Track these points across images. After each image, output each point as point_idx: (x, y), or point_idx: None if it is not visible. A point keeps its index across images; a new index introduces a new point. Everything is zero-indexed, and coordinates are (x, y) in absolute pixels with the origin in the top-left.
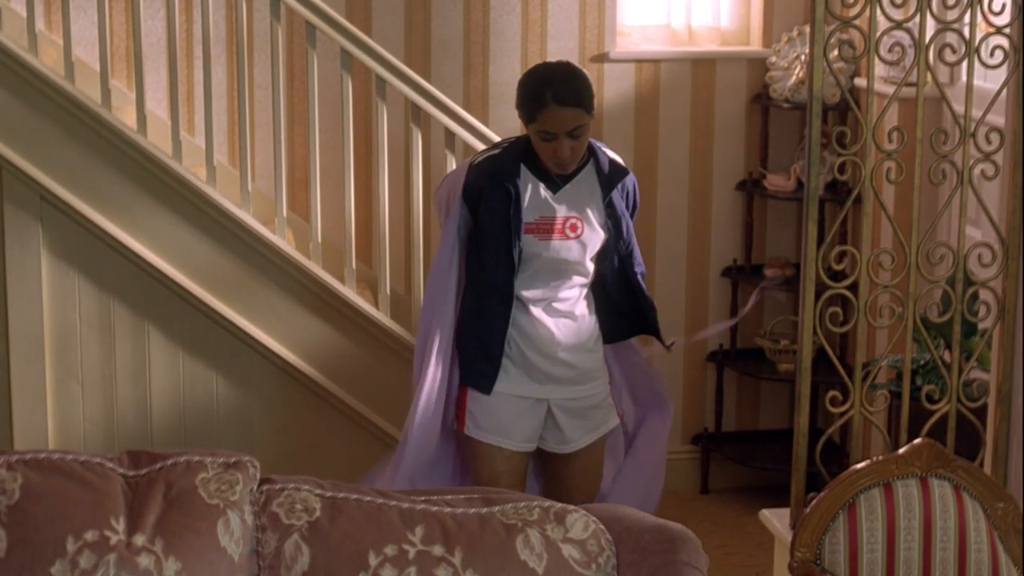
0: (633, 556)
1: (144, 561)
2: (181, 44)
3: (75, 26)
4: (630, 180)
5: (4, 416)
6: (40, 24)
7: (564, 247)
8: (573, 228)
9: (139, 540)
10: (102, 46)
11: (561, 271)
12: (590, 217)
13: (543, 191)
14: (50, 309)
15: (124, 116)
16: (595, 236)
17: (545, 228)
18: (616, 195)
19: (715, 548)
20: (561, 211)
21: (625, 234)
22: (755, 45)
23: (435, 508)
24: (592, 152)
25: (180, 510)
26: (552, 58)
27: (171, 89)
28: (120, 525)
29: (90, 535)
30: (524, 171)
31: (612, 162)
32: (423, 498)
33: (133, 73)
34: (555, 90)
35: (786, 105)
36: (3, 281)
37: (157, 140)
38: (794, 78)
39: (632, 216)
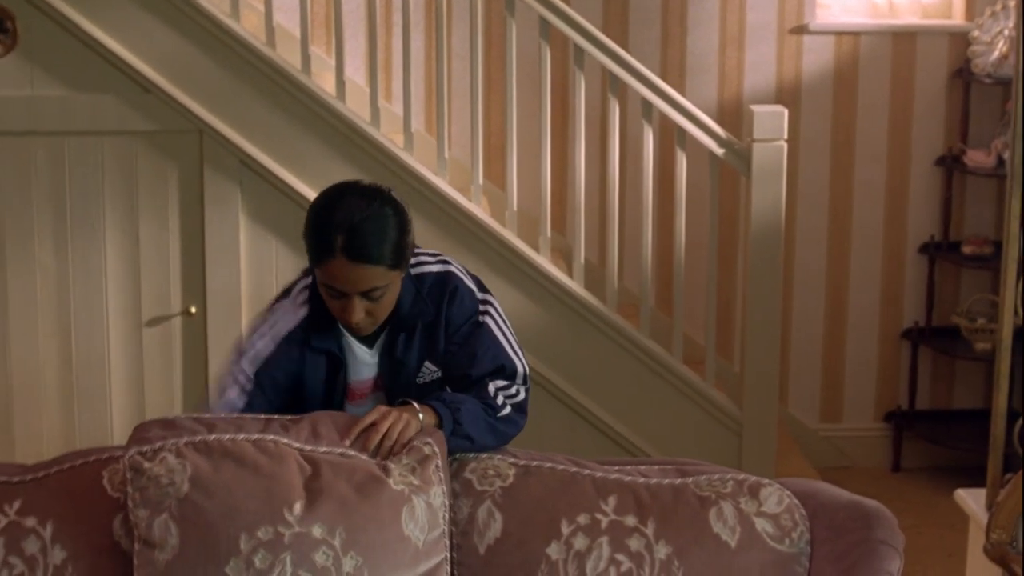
0: (827, 532)
1: (320, 559)
2: (380, 11)
3: None
4: (446, 315)
5: (202, 376)
6: None
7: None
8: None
9: (317, 532)
10: (302, 12)
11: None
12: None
13: (358, 347)
14: (247, 272)
15: (323, 82)
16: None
17: (362, 391)
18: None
19: (907, 527)
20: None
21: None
22: (957, 19)
23: (628, 478)
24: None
25: (362, 496)
26: (751, 30)
27: (370, 56)
28: (294, 515)
29: (262, 532)
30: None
31: (421, 295)
32: (616, 467)
33: (333, 40)
34: (347, 239)
35: (988, 80)
36: (202, 243)
37: (355, 107)
38: (997, 53)
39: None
